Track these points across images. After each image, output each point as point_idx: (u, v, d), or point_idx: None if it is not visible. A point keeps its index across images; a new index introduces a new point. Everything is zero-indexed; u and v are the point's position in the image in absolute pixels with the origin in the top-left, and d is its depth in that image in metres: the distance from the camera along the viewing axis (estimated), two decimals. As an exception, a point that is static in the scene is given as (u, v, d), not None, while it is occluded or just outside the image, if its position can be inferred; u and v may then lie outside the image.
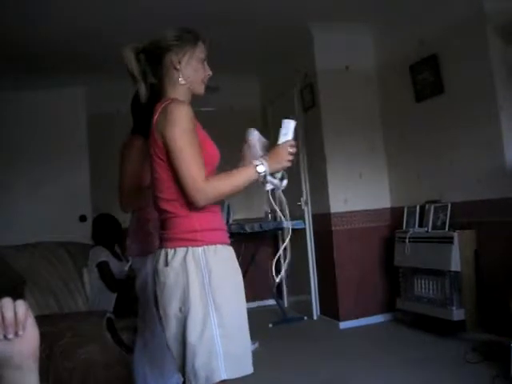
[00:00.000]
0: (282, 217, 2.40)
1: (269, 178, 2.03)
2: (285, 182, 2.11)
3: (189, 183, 1.91)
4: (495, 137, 4.20)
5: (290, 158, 2.07)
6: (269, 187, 2.07)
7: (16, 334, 1.09)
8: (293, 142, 2.09)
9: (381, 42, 5.68)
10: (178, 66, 2.08)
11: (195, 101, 2.17)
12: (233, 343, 1.94)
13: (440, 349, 4.30)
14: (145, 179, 2.77)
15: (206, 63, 2.17)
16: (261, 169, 2.00)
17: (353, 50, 5.66)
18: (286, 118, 2.14)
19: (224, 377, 1.90)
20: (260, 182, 2.05)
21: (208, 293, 1.92)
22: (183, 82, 2.09)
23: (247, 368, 1.98)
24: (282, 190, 2.14)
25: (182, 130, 1.93)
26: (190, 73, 2.10)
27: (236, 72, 6.44)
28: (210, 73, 2.17)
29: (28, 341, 1.12)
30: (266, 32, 5.39)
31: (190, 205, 1.96)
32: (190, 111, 1.98)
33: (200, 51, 2.13)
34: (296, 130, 2.14)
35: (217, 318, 1.91)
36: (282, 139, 2.10)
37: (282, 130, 2.11)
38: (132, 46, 2.12)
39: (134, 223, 3.06)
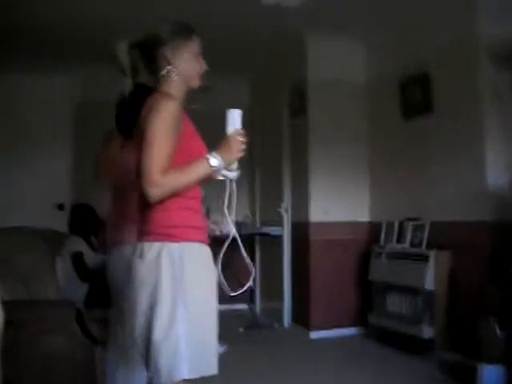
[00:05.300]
0: (228, 217, 2.15)
1: (223, 171, 2.02)
2: (237, 172, 2.07)
3: (143, 175, 1.86)
4: (479, 160, 4.22)
5: (242, 147, 2.03)
6: (222, 177, 2.05)
7: None
8: (241, 131, 2.04)
9: (373, 56, 5.69)
10: (172, 61, 2.05)
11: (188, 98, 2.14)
12: (198, 343, 1.91)
13: (408, 366, 4.31)
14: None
15: (200, 58, 2.13)
16: (213, 162, 1.95)
17: (345, 62, 5.68)
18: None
19: (186, 376, 1.87)
20: (215, 174, 2.02)
21: (178, 291, 1.89)
22: (176, 77, 2.06)
23: (211, 368, 1.95)
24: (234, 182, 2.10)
25: (160, 123, 1.89)
26: (184, 67, 2.07)
27: (227, 73, 6.40)
28: (206, 67, 2.14)
29: None
30: (262, 35, 5.37)
31: (145, 198, 1.90)
32: (175, 107, 1.95)
33: (195, 45, 2.11)
34: (243, 118, 2.06)
35: (184, 317, 1.88)
36: (230, 129, 2.04)
37: (229, 121, 2.05)
38: (126, 40, 2.09)
39: (112, 213, 3.04)
